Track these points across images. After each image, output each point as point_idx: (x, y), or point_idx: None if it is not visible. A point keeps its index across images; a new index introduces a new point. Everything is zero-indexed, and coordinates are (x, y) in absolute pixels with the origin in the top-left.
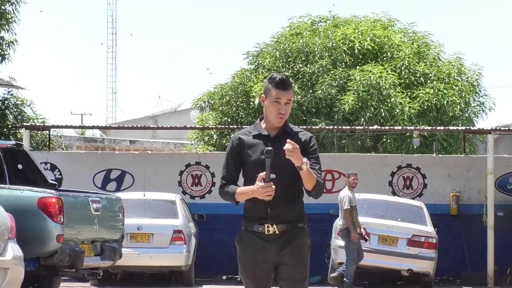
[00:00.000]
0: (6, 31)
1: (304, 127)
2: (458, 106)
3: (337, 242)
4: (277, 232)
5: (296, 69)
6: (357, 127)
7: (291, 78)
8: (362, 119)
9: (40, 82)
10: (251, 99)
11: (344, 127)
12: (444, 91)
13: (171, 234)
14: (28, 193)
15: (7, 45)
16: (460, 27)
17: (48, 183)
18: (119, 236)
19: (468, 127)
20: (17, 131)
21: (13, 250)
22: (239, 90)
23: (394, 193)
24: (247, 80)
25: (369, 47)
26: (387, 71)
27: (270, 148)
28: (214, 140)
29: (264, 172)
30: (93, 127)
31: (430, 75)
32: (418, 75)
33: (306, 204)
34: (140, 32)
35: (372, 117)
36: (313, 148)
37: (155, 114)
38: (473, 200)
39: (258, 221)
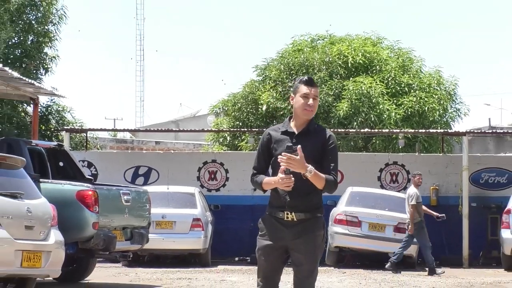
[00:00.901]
0: (49, 47)
1: None
2: (437, 112)
3: (333, 228)
4: (295, 220)
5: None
6: (350, 130)
7: (292, 88)
8: (355, 123)
9: (78, 91)
10: (259, 106)
11: (339, 130)
12: (425, 99)
13: (190, 222)
14: (68, 187)
15: (50, 59)
16: (440, 44)
17: (85, 178)
18: (146, 223)
19: (446, 130)
20: (59, 133)
21: (55, 236)
22: (249, 98)
23: (382, 187)
24: (256, 90)
25: (361, 61)
26: (376, 82)
27: (290, 144)
28: (227, 141)
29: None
30: (123, 130)
31: (413, 85)
32: (402, 85)
33: None
34: (164, 48)
35: (363, 121)
36: (330, 146)
37: (177, 119)
38: (450, 193)
39: (279, 208)
